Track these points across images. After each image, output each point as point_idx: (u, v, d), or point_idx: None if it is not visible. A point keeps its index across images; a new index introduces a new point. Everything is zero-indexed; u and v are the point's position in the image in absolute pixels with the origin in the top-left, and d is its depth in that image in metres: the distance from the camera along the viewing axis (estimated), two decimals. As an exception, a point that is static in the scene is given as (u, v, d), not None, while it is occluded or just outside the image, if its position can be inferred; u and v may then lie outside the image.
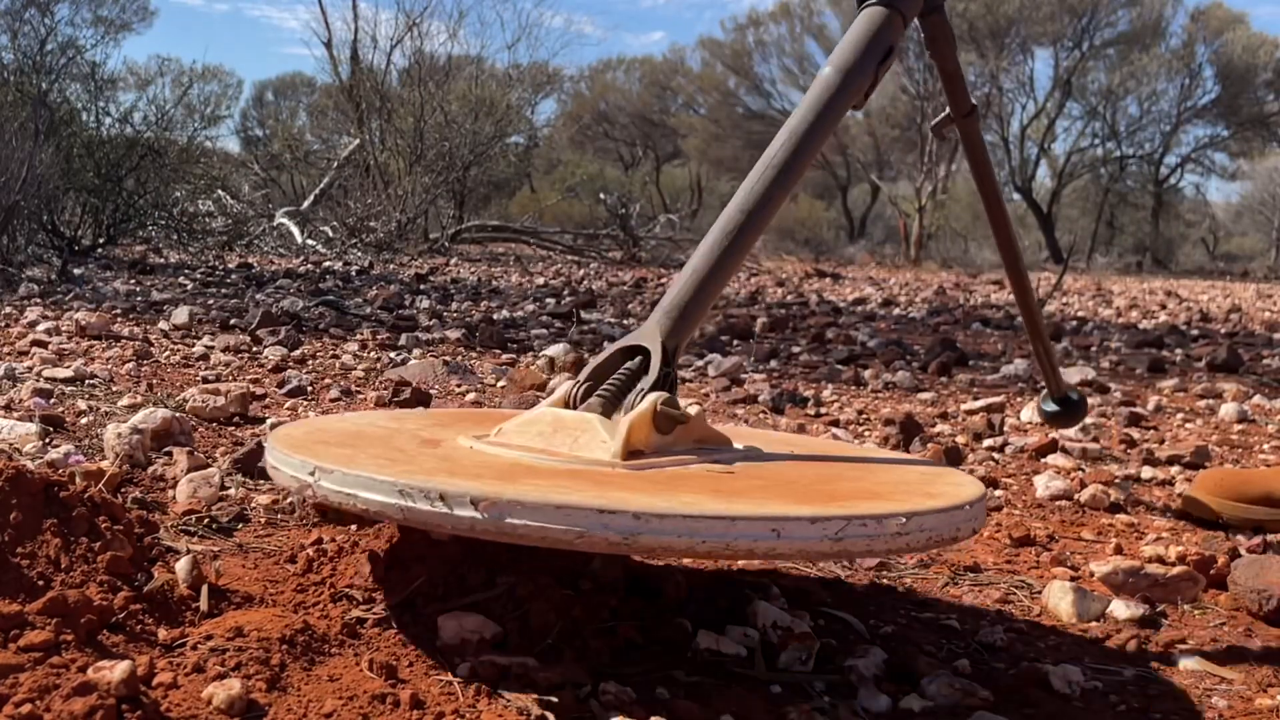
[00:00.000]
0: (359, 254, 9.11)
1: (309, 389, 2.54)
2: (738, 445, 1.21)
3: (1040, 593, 1.34)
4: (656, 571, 1.22)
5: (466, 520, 0.90)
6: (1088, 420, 2.54)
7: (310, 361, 3.04)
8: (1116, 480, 2.02)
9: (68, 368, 2.47)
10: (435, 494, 0.91)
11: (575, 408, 1.15)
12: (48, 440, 1.77)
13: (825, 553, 0.94)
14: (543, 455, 1.08)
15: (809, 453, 1.30)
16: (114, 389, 2.36)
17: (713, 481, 1.04)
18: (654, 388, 1.14)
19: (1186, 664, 1.14)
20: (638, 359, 1.18)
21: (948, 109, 1.49)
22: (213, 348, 3.14)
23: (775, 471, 1.13)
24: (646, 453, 1.09)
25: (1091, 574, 1.42)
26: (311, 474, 1.00)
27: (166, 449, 1.73)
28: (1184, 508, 1.79)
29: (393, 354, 3.29)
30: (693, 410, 1.15)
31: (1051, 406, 1.75)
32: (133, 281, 5.52)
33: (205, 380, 2.57)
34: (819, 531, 0.91)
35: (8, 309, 3.85)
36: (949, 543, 1.04)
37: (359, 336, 3.67)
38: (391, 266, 8.16)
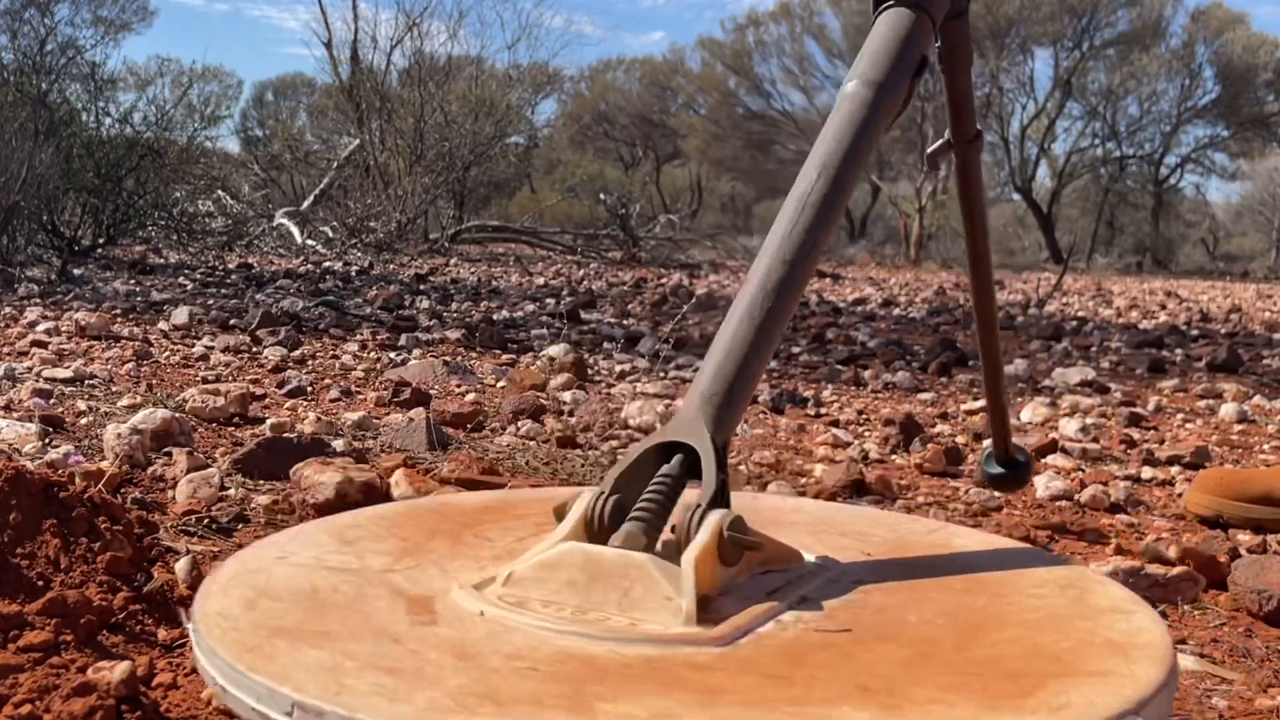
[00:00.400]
0: (359, 254, 9.11)
1: (309, 389, 2.54)
2: (810, 559, 0.95)
3: (1040, 593, 1.34)
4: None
5: None
6: (1088, 420, 2.54)
7: (310, 362, 3.04)
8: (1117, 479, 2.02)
9: (67, 368, 2.47)
10: None
11: (600, 533, 0.85)
12: (47, 440, 1.77)
13: None
14: (587, 629, 0.77)
15: (889, 554, 1.02)
16: (114, 389, 2.36)
17: (842, 661, 0.76)
18: (712, 504, 0.85)
19: (1186, 664, 1.14)
20: (675, 460, 0.90)
21: (947, 134, 1.31)
22: (212, 348, 3.14)
23: (892, 618, 0.85)
24: (712, 596, 0.81)
25: (1091, 574, 1.42)
26: (289, 715, 0.66)
27: (166, 449, 1.73)
28: (1184, 507, 1.79)
29: (393, 354, 3.29)
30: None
31: (995, 468, 1.62)
32: (132, 282, 5.52)
33: (205, 380, 2.57)
34: None
35: (7, 309, 3.85)
36: None
37: (359, 337, 3.67)
38: (391, 267, 8.16)
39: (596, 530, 0.85)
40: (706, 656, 0.75)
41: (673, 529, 0.84)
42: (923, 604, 0.89)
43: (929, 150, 1.32)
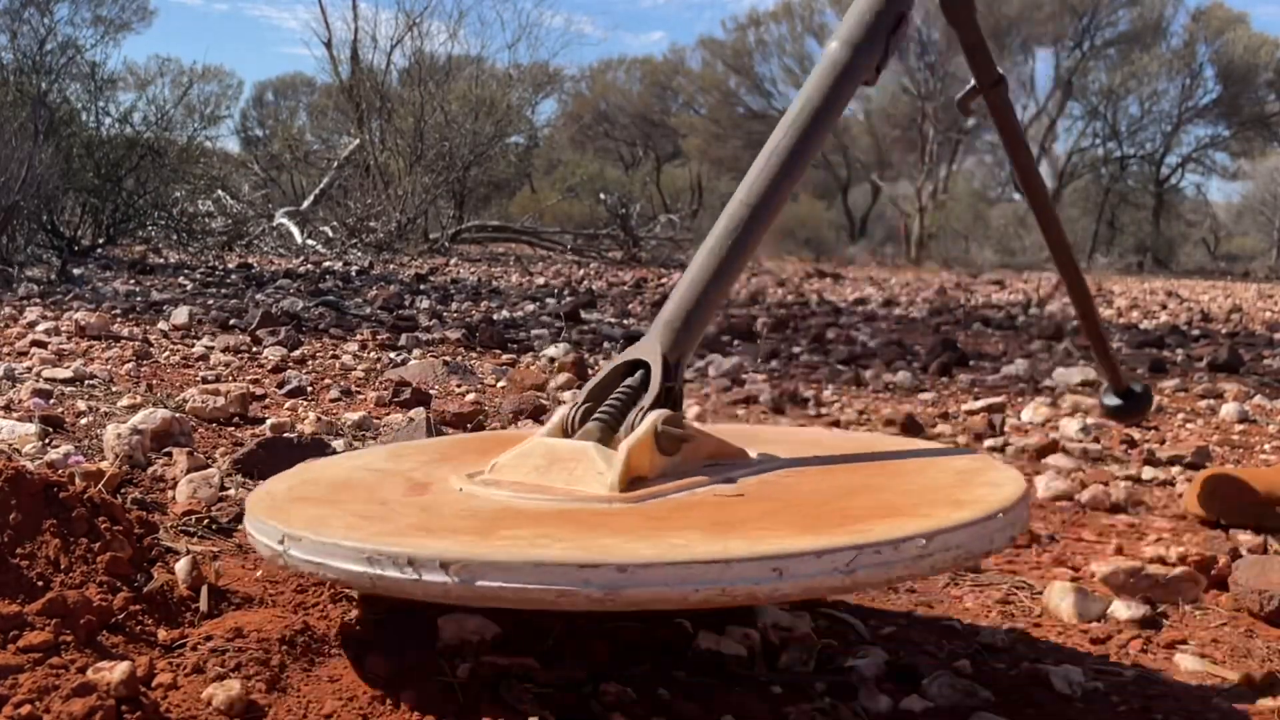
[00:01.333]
0: (359, 254, 9.11)
1: (309, 389, 2.54)
2: (754, 455, 1.13)
3: (1041, 593, 1.34)
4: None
5: (438, 586, 0.82)
6: (1088, 420, 2.54)
7: (310, 362, 3.03)
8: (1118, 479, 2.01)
9: (67, 368, 2.47)
10: (404, 559, 0.84)
11: (573, 434, 1.06)
12: (47, 441, 1.77)
13: (837, 588, 0.86)
14: (535, 494, 1.00)
15: (834, 453, 1.20)
16: (113, 389, 2.36)
17: (714, 511, 0.96)
18: (654, 405, 1.05)
19: (1188, 665, 1.14)
20: (639, 374, 1.09)
21: (972, 81, 1.38)
22: (212, 348, 3.14)
23: (788, 488, 1.04)
24: (651, 478, 1.01)
25: (1092, 574, 1.42)
26: (281, 542, 0.93)
27: (166, 449, 1.73)
28: (1185, 508, 1.79)
29: (393, 354, 3.29)
30: (694, 416, 1.13)
31: (1113, 400, 1.65)
32: (132, 282, 5.52)
33: (205, 381, 2.57)
34: (827, 566, 0.83)
35: (7, 309, 3.84)
36: (982, 557, 0.95)
37: (359, 337, 3.67)
38: (391, 266, 8.16)
39: (569, 431, 1.07)
40: (610, 508, 0.96)
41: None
42: (824, 481, 1.07)
43: (958, 97, 1.40)
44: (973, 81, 1.39)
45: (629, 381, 1.10)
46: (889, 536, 0.85)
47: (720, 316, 5.07)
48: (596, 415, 1.07)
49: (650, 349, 1.10)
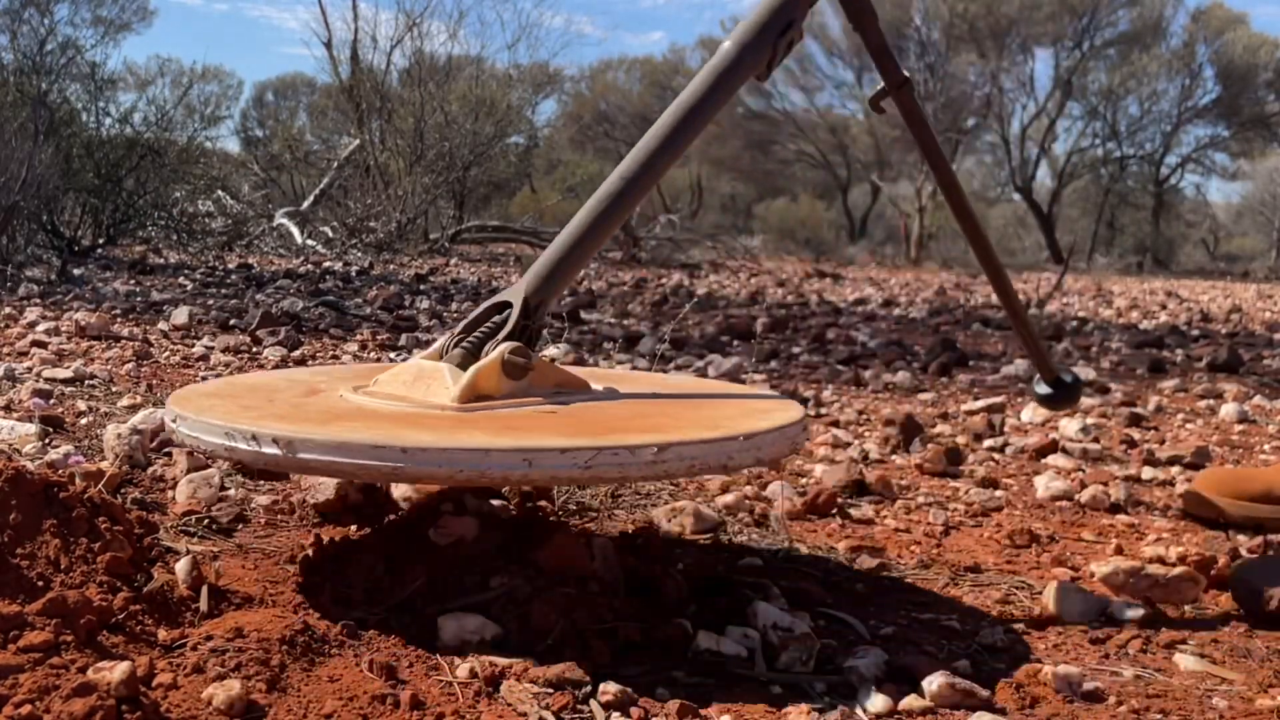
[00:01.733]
0: (359, 254, 9.11)
1: (309, 389, 2.53)
2: (598, 388, 1.32)
3: (1041, 593, 1.34)
4: (656, 571, 1.22)
5: (271, 457, 1.04)
6: (1088, 421, 2.54)
7: (310, 362, 3.03)
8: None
9: (67, 368, 2.47)
10: (250, 435, 1.05)
11: (444, 358, 1.26)
12: (47, 441, 1.77)
13: (577, 479, 1.08)
14: (392, 401, 1.21)
15: (665, 391, 1.40)
16: (114, 389, 2.36)
17: (517, 420, 1.13)
18: (509, 338, 1.24)
19: (1187, 664, 1.14)
20: (505, 313, 1.28)
21: (882, 84, 1.49)
22: (212, 348, 3.14)
23: (597, 410, 1.22)
24: (497, 397, 1.19)
25: (1092, 574, 1.42)
26: (174, 421, 1.15)
27: (166, 449, 1.73)
28: (1185, 506, 1.79)
29: (393, 354, 3.29)
30: (553, 355, 1.22)
31: (1043, 388, 1.70)
32: (132, 282, 5.52)
33: (205, 381, 2.56)
34: (569, 461, 1.01)
35: (8, 309, 3.84)
36: (720, 471, 1.13)
37: (359, 337, 3.67)
38: (391, 267, 8.16)
39: (442, 357, 1.26)
40: (439, 414, 1.15)
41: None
42: (631, 408, 1.25)
43: (869, 97, 1.51)
44: (881, 84, 1.49)
45: (496, 319, 1.28)
46: (628, 443, 1.03)
47: (720, 317, 5.07)
48: (462, 344, 1.26)
49: (516, 293, 1.29)
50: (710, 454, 1.08)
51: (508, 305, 1.28)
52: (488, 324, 1.28)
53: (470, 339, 1.27)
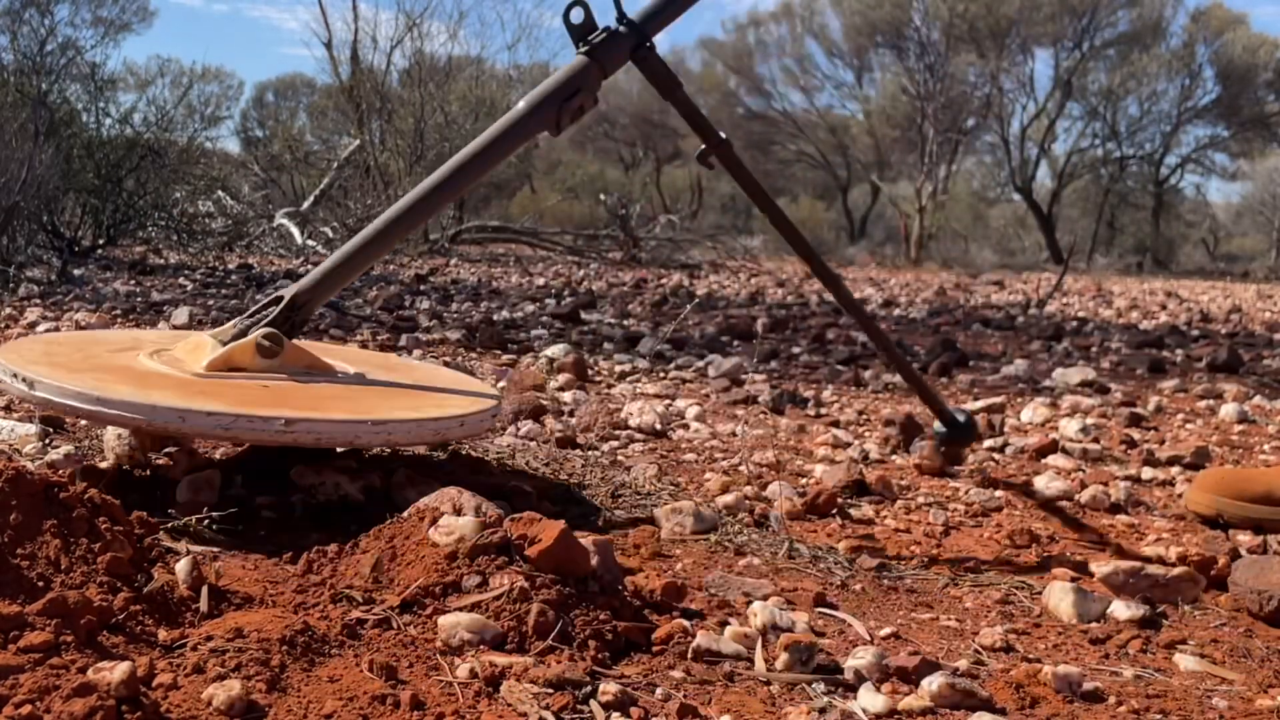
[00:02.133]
0: (359, 254, 9.07)
1: (309, 389, 2.53)
2: (348, 371, 1.62)
3: (1041, 593, 1.34)
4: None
5: (19, 390, 1.38)
6: (1088, 421, 2.54)
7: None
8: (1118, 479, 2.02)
9: (68, 368, 2.47)
10: (23, 377, 1.38)
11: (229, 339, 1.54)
12: (48, 441, 1.77)
13: (220, 436, 1.38)
14: (167, 365, 1.52)
15: (409, 382, 1.69)
16: (114, 389, 2.35)
17: (231, 390, 1.42)
18: (270, 325, 1.54)
19: (1187, 665, 1.14)
20: (281, 305, 1.57)
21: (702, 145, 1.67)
22: (213, 348, 3.13)
23: (305, 390, 1.48)
24: (252, 370, 1.51)
25: (1092, 575, 1.42)
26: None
27: (166, 450, 1.72)
28: (1184, 507, 1.79)
29: (393, 355, 3.28)
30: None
31: (941, 430, 1.83)
32: (132, 282, 5.52)
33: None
34: (213, 422, 1.33)
35: (8, 309, 3.85)
36: (354, 445, 1.42)
37: (359, 337, 3.67)
38: (391, 267, 8.16)
39: (228, 340, 1.54)
40: (182, 377, 1.47)
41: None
42: (348, 392, 1.52)
43: (697, 154, 1.71)
44: (702, 145, 1.68)
45: (270, 311, 1.57)
46: (261, 414, 1.33)
47: (720, 317, 5.06)
48: (238, 326, 1.56)
49: (290, 290, 1.58)
50: (337, 432, 1.35)
51: (281, 300, 1.57)
52: (263, 313, 1.57)
53: (246, 322, 1.57)
